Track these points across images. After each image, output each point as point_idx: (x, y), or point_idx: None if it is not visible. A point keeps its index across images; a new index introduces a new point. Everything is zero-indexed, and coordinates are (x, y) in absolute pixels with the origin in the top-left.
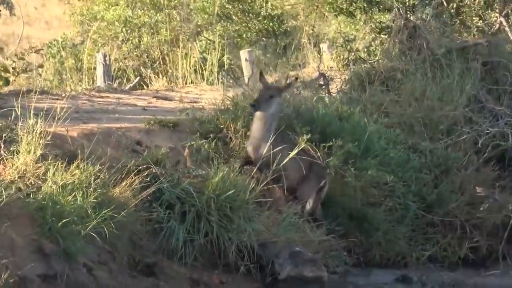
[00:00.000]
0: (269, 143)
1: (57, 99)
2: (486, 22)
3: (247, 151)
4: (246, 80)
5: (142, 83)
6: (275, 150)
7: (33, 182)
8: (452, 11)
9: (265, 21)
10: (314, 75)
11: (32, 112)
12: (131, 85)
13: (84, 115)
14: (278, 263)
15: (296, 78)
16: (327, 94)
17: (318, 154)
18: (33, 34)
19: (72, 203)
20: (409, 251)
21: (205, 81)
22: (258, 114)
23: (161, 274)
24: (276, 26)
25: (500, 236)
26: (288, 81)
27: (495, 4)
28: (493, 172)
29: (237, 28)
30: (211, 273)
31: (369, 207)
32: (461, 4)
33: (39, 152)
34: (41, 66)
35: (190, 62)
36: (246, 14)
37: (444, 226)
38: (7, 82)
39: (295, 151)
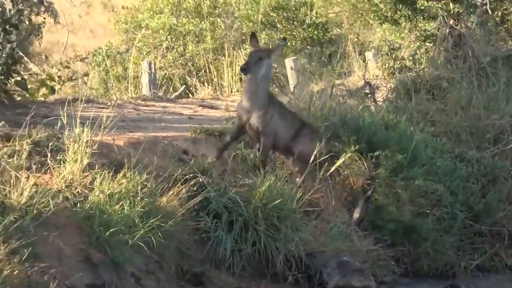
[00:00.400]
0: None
1: (103, 108)
2: None
3: (237, 118)
4: (292, 88)
5: (187, 91)
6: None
7: (80, 191)
8: (497, 19)
9: (310, 29)
10: (360, 83)
11: (78, 121)
12: (177, 93)
13: (130, 124)
14: (326, 273)
15: (284, 38)
16: (373, 103)
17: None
18: (78, 42)
19: (119, 212)
20: (457, 260)
21: None
22: (248, 77)
23: (209, 284)
24: (321, 34)
25: None
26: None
27: None
28: None
29: (281, 36)
30: (258, 283)
31: (417, 217)
32: (506, 12)
33: (85, 161)
34: (86, 74)
35: (235, 70)
36: (291, 22)
37: (492, 236)
38: (52, 90)
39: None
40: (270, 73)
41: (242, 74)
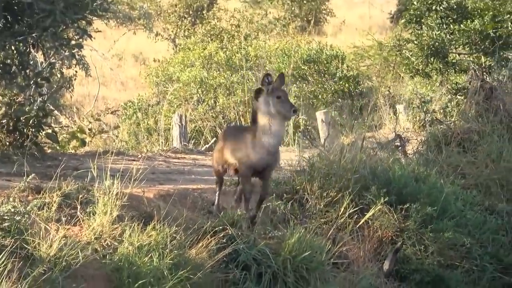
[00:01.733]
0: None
1: (133, 160)
2: None
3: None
4: (322, 141)
5: None
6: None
7: (109, 243)
8: None
9: (341, 82)
10: (390, 136)
11: (108, 173)
12: (207, 146)
13: (160, 176)
14: None
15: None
16: (403, 155)
17: None
18: (109, 95)
19: (148, 264)
20: None
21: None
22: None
23: None
24: (352, 87)
25: None
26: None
27: None
28: None
29: (312, 89)
30: None
31: (446, 269)
32: None
33: (115, 213)
34: (117, 127)
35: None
36: (322, 75)
37: None
38: (83, 143)
39: None
40: None
41: (293, 115)
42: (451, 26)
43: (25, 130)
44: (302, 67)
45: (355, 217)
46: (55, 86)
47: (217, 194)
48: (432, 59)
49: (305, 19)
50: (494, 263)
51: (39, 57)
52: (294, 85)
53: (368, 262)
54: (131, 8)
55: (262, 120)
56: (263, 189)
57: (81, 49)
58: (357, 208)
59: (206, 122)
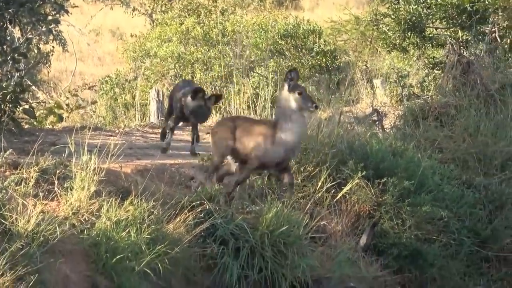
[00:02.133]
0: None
1: (111, 135)
2: None
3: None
4: None
5: None
6: None
7: (87, 219)
8: (506, 46)
9: (318, 57)
10: (368, 110)
11: (86, 148)
12: None
13: (137, 151)
14: None
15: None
16: (380, 130)
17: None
18: (86, 70)
19: (126, 239)
20: (464, 286)
21: (258, 116)
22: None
23: None
24: (329, 61)
25: None
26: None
27: None
28: None
29: (290, 64)
30: None
31: (424, 243)
32: None
33: (92, 189)
34: (94, 102)
35: (243, 98)
36: (299, 50)
37: (498, 261)
38: (60, 118)
39: None
40: None
41: (315, 110)
42: (428, 0)
43: (2, 105)
44: (279, 42)
45: (333, 191)
46: (32, 62)
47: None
48: (409, 34)
49: None
50: (471, 237)
51: (16, 32)
52: (271, 60)
53: (346, 236)
54: None
55: (283, 116)
56: (288, 175)
57: (58, 24)
58: (334, 183)
59: None
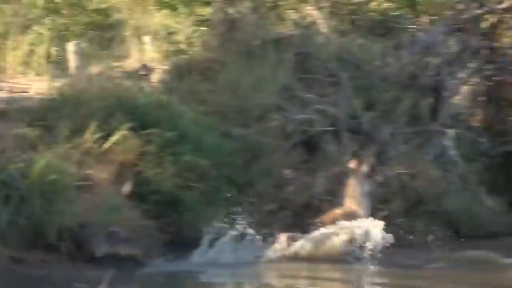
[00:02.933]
0: None
1: None
2: (301, 15)
3: None
4: (73, 71)
5: None
6: None
7: None
8: (269, 5)
9: (92, 15)
10: (137, 66)
11: None
12: None
13: None
14: (95, 243)
15: None
16: (148, 84)
17: None
18: None
19: None
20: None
21: (34, 72)
22: None
23: None
24: (103, 19)
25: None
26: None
27: None
28: (299, 156)
29: (65, 21)
30: (33, 252)
31: (184, 190)
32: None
33: None
34: None
35: (19, 54)
36: (74, 8)
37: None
38: None
39: None
40: None
41: None
42: None
43: None
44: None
45: (101, 142)
46: None
47: None
48: None
49: None
50: (228, 184)
51: None
52: (47, 18)
53: (111, 185)
54: None
55: None
56: None
57: None
58: (103, 134)
59: None
